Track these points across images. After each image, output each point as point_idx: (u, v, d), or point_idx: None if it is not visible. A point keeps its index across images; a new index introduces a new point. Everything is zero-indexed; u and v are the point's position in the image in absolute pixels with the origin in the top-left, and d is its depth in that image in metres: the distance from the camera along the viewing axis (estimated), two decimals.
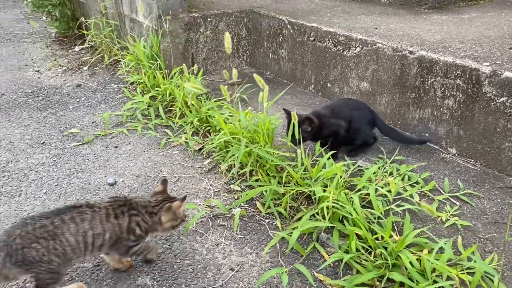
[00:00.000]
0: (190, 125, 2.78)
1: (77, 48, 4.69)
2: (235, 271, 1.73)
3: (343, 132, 2.26)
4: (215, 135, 2.57)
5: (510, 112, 2.02)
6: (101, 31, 4.20)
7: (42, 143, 2.76)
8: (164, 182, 1.70)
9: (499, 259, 1.61)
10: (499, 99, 2.05)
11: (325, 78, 3.03)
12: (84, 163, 2.53)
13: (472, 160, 2.25)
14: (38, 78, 3.93)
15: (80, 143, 2.75)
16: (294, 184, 2.02)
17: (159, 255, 1.80)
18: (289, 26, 3.23)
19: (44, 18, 6.02)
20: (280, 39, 3.36)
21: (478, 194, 1.99)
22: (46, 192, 2.26)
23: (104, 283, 1.68)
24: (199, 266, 1.75)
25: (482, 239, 1.73)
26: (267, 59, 3.57)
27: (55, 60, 4.36)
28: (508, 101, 2.02)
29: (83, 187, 2.30)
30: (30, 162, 2.55)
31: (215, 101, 2.92)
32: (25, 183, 2.34)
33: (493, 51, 2.35)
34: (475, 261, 1.50)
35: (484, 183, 2.07)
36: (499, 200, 1.95)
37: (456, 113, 2.26)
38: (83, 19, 4.71)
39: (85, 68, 4.12)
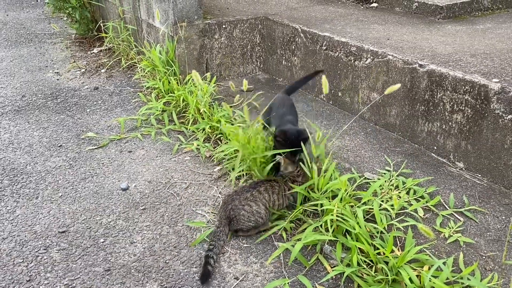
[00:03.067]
0: (202, 132, 2.85)
1: (95, 50, 4.80)
2: (239, 280, 1.78)
3: None
4: (225, 143, 2.63)
5: None
6: (118, 34, 4.30)
7: (59, 146, 2.86)
8: None
9: (499, 278, 1.63)
10: (507, 116, 2.06)
11: (336, 87, 3.06)
12: (98, 167, 2.61)
13: (479, 175, 2.26)
14: (57, 79, 4.04)
15: (96, 147, 2.84)
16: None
17: (166, 261, 1.87)
18: (302, 35, 3.27)
19: (64, 18, 6.17)
20: (293, 47, 3.40)
21: (483, 210, 2.00)
22: (61, 195, 2.35)
23: (114, 287, 1.76)
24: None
25: (484, 257, 1.75)
26: (280, 66, 3.62)
27: (74, 61, 4.47)
28: None
29: (97, 191, 2.38)
30: (48, 165, 2.65)
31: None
32: (42, 186, 2.44)
33: (504, 66, 2.35)
34: (473, 281, 1.52)
35: (489, 199, 2.09)
36: (503, 217, 1.96)
37: (465, 127, 2.27)
38: (102, 22, 4.82)
39: (103, 70, 4.22)
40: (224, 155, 2.53)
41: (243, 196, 1.99)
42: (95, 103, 3.53)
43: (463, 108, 2.25)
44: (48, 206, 2.27)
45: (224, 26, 3.52)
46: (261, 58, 3.79)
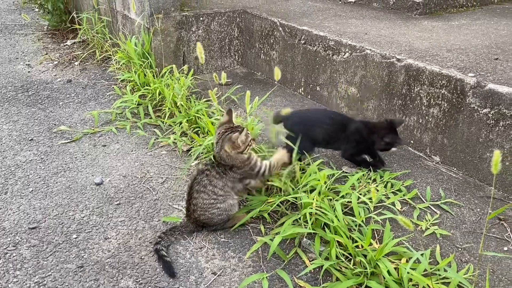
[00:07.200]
0: (179, 126, 2.79)
1: (69, 42, 4.67)
2: (217, 275, 1.75)
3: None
4: (203, 137, 2.59)
5: (492, 123, 2.06)
6: (93, 26, 4.19)
7: (30, 140, 2.76)
8: (230, 112, 1.96)
9: (475, 269, 1.65)
10: (482, 110, 2.09)
11: (315, 81, 3.05)
12: (71, 161, 2.53)
13: (455, 169, 2.29)
14: (29, 72, 3.91)
15: (68, 140, 2.76)
16: (280, 190, 2.05)
17: (142, 257, 1.83)
18: (280, 28, 3.24)
19: (36, 9, 5.98)
20: (272, 41, 3.37)
21: (459, 203, 2.03)
22: (32, 190, 2.27)
23: (87, 284, 1.70)
24: (182, 269, 1.77)
25: (460, 249, 1.77)
26: (259, 60, 3.59)
27: (46, 54, 4.34)
28: (491, 113, 2.05)
29: (70, 186, 2.31)
30: (18, 159, 2.55)
31: (205, 101, 2.94)
32: (11, 181, 2.35)
33: (479, 61, 2.38)
34: (450, 272, 1.53)
35: (465, 192, 2.11)
36: (478, 209, 1.99)
37: (441, 121, 2.29)
38: (76, 13, 4.69)
39: (76, 63, 4.10)
40: (203, 149, 2.49)
41: (203, 201, 1.90)
42: (68, 96, 3.42)
43: (440, 102, 2.27)
44: (18, 201, 2.18)
45: (201, 18, 3.47)
46: (239, 51, 3.76)
